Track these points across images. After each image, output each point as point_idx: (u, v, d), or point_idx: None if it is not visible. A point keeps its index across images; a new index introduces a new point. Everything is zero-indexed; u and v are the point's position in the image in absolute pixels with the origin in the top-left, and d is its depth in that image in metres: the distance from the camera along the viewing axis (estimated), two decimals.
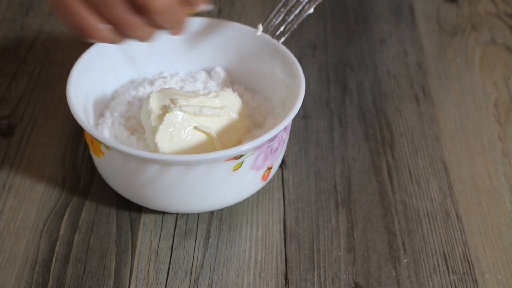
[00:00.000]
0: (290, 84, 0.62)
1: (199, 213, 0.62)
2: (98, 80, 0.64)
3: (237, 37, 0.66)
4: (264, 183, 0.61)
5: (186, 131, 0.57)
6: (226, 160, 0.55)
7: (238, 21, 0.78)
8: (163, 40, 0.63)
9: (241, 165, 0.57)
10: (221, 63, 0.68)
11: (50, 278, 0.57)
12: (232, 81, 0.68)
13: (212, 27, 0.66)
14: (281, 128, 0.56)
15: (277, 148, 0.59)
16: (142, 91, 0.65)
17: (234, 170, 0.57)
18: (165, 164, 0.55)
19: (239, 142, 0.60)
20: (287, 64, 0.62)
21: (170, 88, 0.61)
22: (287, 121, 0.57)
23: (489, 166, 0.66)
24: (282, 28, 0.62)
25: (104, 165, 0.59)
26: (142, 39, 0.50)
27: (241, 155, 0.56)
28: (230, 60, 0.67)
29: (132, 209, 0.62)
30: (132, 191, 0.59)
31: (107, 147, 0.56)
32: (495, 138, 0.69)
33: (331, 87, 0.74)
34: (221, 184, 0.57)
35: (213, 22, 0.66)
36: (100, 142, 0.56)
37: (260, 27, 0.62)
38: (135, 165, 0.56)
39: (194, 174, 0.56)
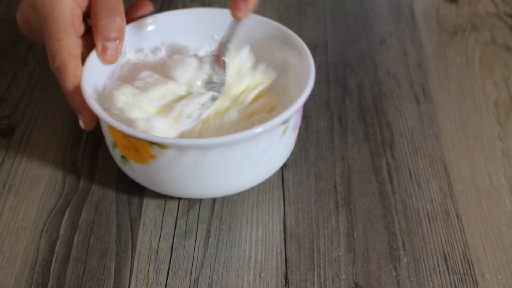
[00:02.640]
0: (297, 62, 0.63)
1: (199, 213, 0.62)
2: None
3: (247, 24, 0.66)
4: (294, 144, 0.63)
5: None
6: (280, 125, 0.57)
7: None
8: (172, 30, 0.67)
9: (287, 129, 0.59)
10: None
11: (50, 278, 0.57)
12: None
13: (220, 16, 0.66)
14: (312, 83, 0.59)
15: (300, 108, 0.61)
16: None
17: (283, 134, 0.58)
18: (228, 145, 0.55)
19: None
20: (294, 47, 0.64)
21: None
22: (313, 74, 0.59)
23: (489, 166, 0.66)
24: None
25: (155, 170, 0.58)
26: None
27: (290, 119, 0.57)
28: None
29: (132, 209, 0.62)
30: (193, 185, 0.58)
31: (163, 146, 0.55)
32: (495, 138, 0.69)
33: (331, 87, 0.74)
34: (275, 150, 0.59)
35: (222, 11, 0.67)
36: (153, 144, 0.55)
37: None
38: (197, 154, 0.55)
39: (258, 147, 0.57)
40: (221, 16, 0.66)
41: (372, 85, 0.75)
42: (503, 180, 0.65)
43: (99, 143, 0.67)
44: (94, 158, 0.66)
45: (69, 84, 0.59)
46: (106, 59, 0.62)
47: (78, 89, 0.58)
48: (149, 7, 0.68)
